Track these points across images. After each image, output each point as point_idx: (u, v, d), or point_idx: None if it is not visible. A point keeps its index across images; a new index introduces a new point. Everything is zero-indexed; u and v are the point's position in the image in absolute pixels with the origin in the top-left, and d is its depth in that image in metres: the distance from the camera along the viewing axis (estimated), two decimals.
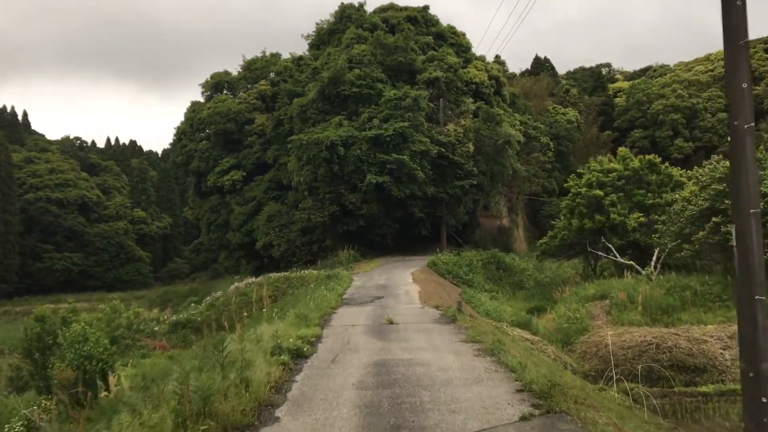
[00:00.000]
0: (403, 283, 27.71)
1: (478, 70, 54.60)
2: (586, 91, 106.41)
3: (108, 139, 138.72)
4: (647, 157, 35.39)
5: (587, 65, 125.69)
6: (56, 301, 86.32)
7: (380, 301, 21.47)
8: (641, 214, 33.44)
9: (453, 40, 55.11)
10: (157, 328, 32.24)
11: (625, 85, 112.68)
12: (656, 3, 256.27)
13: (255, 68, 59.51)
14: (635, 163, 35.24)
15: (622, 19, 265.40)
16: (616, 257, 30.54)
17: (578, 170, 39.51)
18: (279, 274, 36.57)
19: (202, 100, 59.11)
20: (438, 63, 49.98)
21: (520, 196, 62.02)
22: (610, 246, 30.84)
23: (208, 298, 36.25)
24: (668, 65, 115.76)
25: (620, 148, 39.44)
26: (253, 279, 37.43)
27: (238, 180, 54.20)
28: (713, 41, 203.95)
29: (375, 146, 43.78)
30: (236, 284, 37.12)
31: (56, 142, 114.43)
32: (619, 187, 34.64)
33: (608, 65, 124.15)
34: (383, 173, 43.14)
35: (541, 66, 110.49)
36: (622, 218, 33.00)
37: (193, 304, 36.73)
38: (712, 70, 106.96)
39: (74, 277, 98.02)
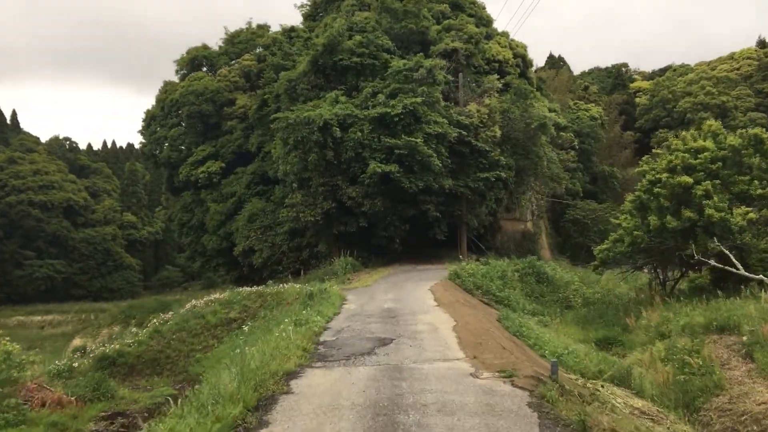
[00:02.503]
0: (421, 306, 17.36)
1: (502, 47, 44.41)
2: (605, 90, 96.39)
3: (104, 142, 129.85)
4: (751, 131, 25.03)
5: (602, 66, 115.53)
6: (31, 312, 76.85)
7: (387, 350, 11.13)
8: (749, 209, 23.02)
9: (472, 11, 44.89)
10: (75, 365, 21.98)
11: (645, 84, 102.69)
12: (653, 8, 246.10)
13: (239, 41, 49.08)
14: (733, 139, 24.92)
15: (620, 22, 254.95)
16: (737, 269, 20.06)
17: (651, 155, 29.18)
18: (251, 289, 26.34)
19: (176, 79, 48.65)
20: (456, 33, 39.72)
21: (545, 197, 51.43)
22: (726, 251, 20.36)
23: (155, 320, 25.91)
24: (689, 65, 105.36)
25: (707, 122, 29.09)
26: (217, 295, 27.07)
27: (215, 172, 43.88)
28: (713, 46, 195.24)
29: (380, 127, 33.61)
30: (193, 302, 26.80)
31: (44, 142, 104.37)
32: (713, 173, 24.27)
33: (625, 65, 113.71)
34: (390, 161, 32.93)
35: (556, 64, 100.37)
36: (723, 214, 22.54)
37: (134, 329, 26.40)
38: (737, 69, 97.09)
39: (57, 285, 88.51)
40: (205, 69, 48.45)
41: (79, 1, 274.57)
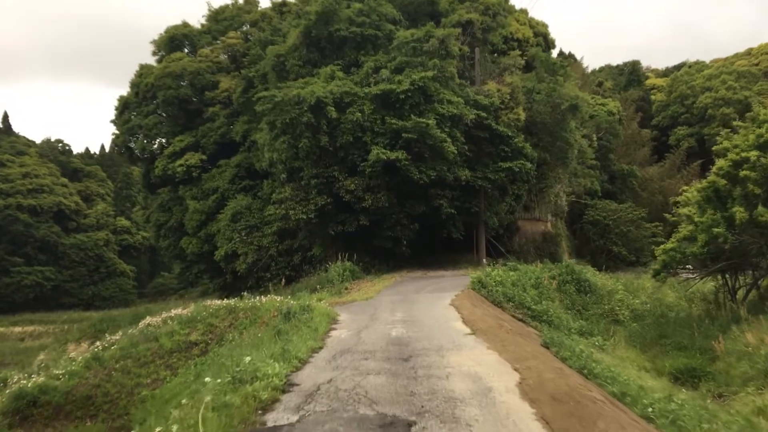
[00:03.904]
0: (448, 334, 11.30)
1: (521, 24, 38.33)
2: (618, 87, 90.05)
3: (102, 146, 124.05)
4: None
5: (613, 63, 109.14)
6: (15, 323, 70.91)
7: None
8: None
9: None
10: None
11: (660, 81, 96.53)
12: (652, 13, 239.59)
13: (223, 18, 42.82)
14: None
15: (616, 28, 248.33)
16: None
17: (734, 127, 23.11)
18: (220, 302, 20.17)
19: (154, 63, 42.43)
20: (470, 4, 33.62)
21: (573, 193, 45.13)
22: None
23: (99, 343, 19.85)
24: (704, 61, 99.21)
25: None
26: (180, 310, 20.91)
27: (195, 165, 37.68)
28: (714, 48, 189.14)
29: (384, 107, 27.63)
30: (148, 319, 20.74)
31: (36, 144, 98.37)
32: None
33: (637, 62, 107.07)
34: (396, 147, 26.93)
35: (566, 60, 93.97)
36: None
37: (72, 354, 20.39)
38: (756, 64, 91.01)
39: (46, 293, 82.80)
40: (186, 50, 42.41)
41: (80, 3, 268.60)
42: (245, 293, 22.11)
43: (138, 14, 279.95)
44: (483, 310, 14.40)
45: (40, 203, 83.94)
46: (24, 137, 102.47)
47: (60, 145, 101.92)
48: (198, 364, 17.25)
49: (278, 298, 18.97)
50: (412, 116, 26.94)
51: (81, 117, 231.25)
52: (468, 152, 29.11)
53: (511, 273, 22.79)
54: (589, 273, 26.20)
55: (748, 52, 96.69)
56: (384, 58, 29.52)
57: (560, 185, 37.76)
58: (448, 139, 27.23)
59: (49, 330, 65.20)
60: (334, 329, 12.43)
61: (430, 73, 27.61)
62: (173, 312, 21.22)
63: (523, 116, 30.32)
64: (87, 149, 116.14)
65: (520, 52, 33.67)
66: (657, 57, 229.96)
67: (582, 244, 59.81)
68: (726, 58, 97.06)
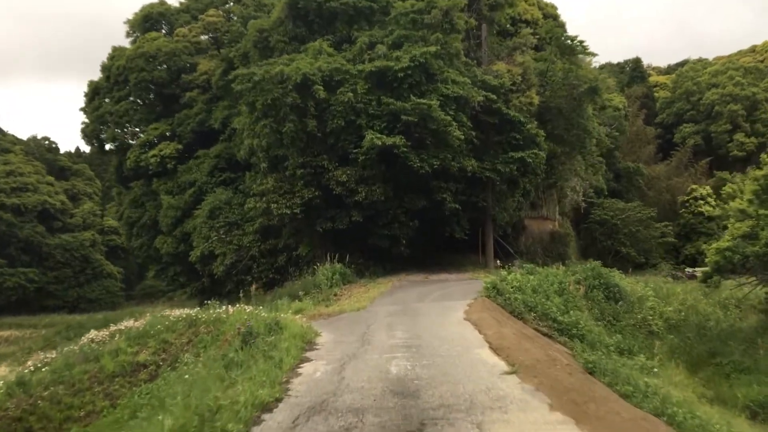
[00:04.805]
0: (473, 369, 7.46)
1: (530, 5, 34.53)
2: (620, 84, 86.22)
3: (93, 144, 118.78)
4: None
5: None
6: None
7: None
8: None
9: None
10: None
11: (662, 79, 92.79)
12: (650, 12, 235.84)
13: None
14: None
15: (609, 30, 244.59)
16: None
17: None
18: (180, 313, 16.27)
19: (128, 45, 38.23)
20: None
21: (589, 188, 41.22)
22: None
23: (30, 363, 15.92)
24: (707, 59, 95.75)
25: None
26: (131, 322, 16.93)
27: (170, 156, 33.52)
28: (709, 48, 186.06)
29: (380, 87, 23.81)
30: (93, 333, 16.86)
31: (22, 142, 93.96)
32: None
33: (639, 59, 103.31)
34: (394, 131, 23.04)
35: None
36: None
37: (30, 365, 16.30)
38: (761, 61, 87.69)
39: (29, 295, 78.56)
40: (164, 31, 38.18)
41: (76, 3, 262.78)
42: (212, 300, 18.09)
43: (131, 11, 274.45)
44: (513, 329, 10.52)
45: (24, 202, 79.70)
46: (11, 135, 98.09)
47: (47, 142, 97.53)
48: (142, 393, 13.40)
49: (248, 308, 15.06)
50: (412, 97, 23.08)
51: (73, 116, 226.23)
52: (475, 139, 25.28)
53: (531, 277, 18.94)
54: (616, 277, 22.36)
55: (752, 49, 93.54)
56: (380, 33, 25.67)
57: (576, 178, 33.80)
58: (454, 123, 23.38)
59: (26, 335, 61.18)
60: (308, 360, 8.55)
61: (432, 48, 23.76)
62: (124, 324, 17.27)
63: (536, 100, 26.52)
64: (77, 148, 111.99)
65: (531, 31, 29.84)
66: (654, 56, 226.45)
67: (588, 244, 55.99)
68: (729, 56, 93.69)
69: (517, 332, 10.30)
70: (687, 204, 57.93)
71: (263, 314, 13.83)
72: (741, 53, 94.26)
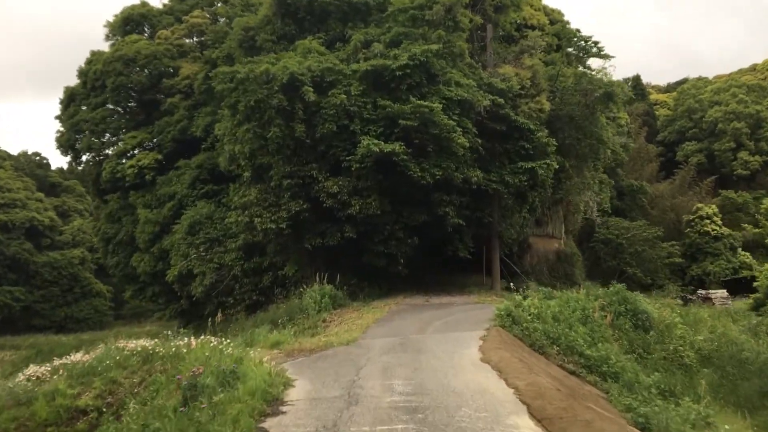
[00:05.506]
0: None
1: (535, 10, 32.17)
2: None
3: (86, 161, 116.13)
4: None
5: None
6: None
7: None
8: None
9: None
10: None
11: (663, 97, 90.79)
12: (641, 32, 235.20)
13: None
14: None
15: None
16: None
17: None
18: (135, 345, 13.34)
19: (107, 48, 35.54)
20: None
21: (602, 204, 38.53)
22: None
23: None
24: (707, 77, 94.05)
25: None
26: (79, 355, 14.01)
27: (148, 167, 30.70)
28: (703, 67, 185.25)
29: (376, 88, 21.22)
30: (32, 368, 13.89)
31: (12, 157, 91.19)
32: None
33: (638, 77, 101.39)
34: (392, 137, 20.38)
35: None
36: None
37: None
38: (763, 79, 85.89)
39: (15, 315, 75.13)
40: (146, 34, 35.60)
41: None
42: (189, 326, 15.22)
43: None
44: (549, 378, 7.67)
45: (11, 219, 76.78)
46: (2, 150, 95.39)
47: (37, 158, 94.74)
48: None
49: (213, 341, 12.21)
50: (412, 98, 20.46)
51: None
52: (480, 148, 22.62)
53: (550, 303, 16.14)
54: (644, 303, 19.55)
55: (753, 68, 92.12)
56: (376, 30, 23.17)
57: (590, 192, 31.06)
58: (458, 129, 20.73)
59: (6, 357, 58.02)
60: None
61: (434, 47, 21.22)
62: (72, 357, 14.38)
63: (547, 105, 23.98)
64: (70, 164, 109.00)
65: (540, 33, 27.36)
66: (648, 76, 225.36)
67: (592, 264, 53.33)
68: (730, 74, 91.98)
69: (557, 383, 7.48)
70: (692, 223, 55.35)
71: (229, 350, 11.00)
72: (741, 71, 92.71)
